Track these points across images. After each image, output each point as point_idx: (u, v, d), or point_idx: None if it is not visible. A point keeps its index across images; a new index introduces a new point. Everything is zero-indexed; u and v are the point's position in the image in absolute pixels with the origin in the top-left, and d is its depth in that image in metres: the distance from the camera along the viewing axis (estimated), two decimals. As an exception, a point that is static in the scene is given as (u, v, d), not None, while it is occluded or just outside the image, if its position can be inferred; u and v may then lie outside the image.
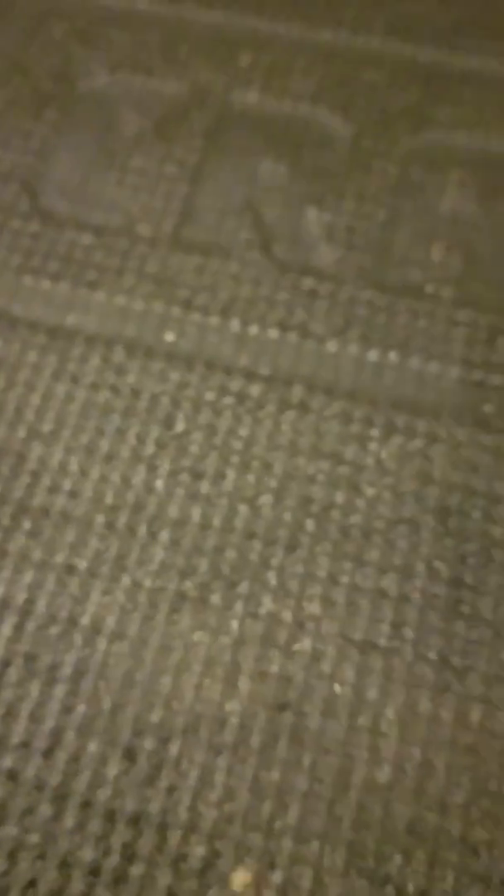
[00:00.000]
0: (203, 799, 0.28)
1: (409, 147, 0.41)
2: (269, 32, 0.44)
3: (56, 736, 0.28)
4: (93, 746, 0.28)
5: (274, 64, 0.42)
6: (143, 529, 0.32)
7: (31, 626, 0.30)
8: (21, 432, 0.33)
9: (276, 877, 0.27)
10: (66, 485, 0.32)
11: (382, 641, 0.30)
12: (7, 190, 0.39)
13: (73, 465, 0.33)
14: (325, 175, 0.39)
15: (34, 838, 0.27)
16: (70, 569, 0.31)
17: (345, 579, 0.31)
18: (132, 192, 0.39)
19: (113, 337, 0.35)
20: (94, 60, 0.43)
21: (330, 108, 0.41)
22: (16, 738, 0.28)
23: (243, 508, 0.32)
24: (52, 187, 0.39)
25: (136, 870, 0.27)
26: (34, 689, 0.29)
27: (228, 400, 0.34)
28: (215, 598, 0.31)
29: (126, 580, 0.31)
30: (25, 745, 0.28)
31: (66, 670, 0.29)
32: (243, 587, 0.31)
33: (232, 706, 0.29)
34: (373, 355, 0.35)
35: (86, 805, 0.28)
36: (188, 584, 0.31)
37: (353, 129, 0.41)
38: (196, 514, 0.32)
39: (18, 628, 0.30)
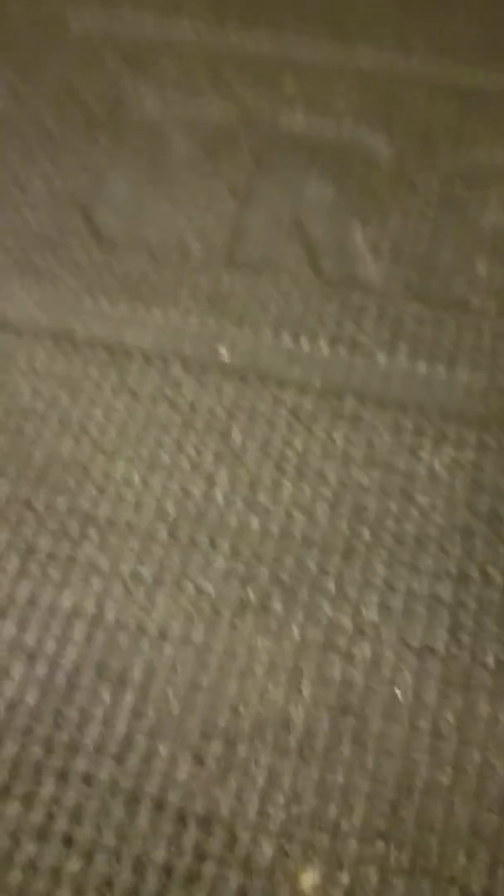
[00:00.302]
0: (271, 800, 0.29)
1: (451, 164, 0.41)
2: (311, 56, 0.45)
3: (127, 740, 0.29)
4: (163, 750, 0.29)
5: (317, 86, 0.44)
6: (204, 539, 0.33)
7: (100, 634, 0.31)
8: (86, 446, 0.34)
9: (343, 877, 0.28)
10: (130, 496, 0.33)
11: (440, 646, 0.31)
12: (64, 213, 0.40)
13: (136, 477, 0.34)
14: (369, 193, 0.40)
15: (109, 839, 0.28)
16: (136, 578, 0.32)
17: (401, 586, 0.32)
18: (184, 212, 0.40)
19: (169, 353, 0.37)
20: (145, 87, 0.44)
21: (372, 127, 0.42)
22: (89, 743, 0.29)
23: (300, 517, 0.33)
24: (107, 210, 0.40)
25: (208, 869, 0.28)
26: (105, 694, 0.30)
27: (282, 412, 0.35)
28: (276, 605, 0.31)
29: (190, 588, 0.32)
30: (99, 749, 0.29)
31: (136, 676, 0.30)
32: (303, 594, 0.32)
33: (296, 710, 0.30)
34: (421, 367, 0.36)
35: (158, 807, 0.28)
36: (249, 592, 0.32)
37: (396, 147, 0.42)
38: (255, 523, 0.33)
39: (89, 637, 0.31)
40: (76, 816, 0.28)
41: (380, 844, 0.28)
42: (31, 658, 0.30)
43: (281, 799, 0.29)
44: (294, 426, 0.35)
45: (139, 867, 0.28)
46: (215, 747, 0.29)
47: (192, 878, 0.28)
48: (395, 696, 0.30)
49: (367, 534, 0.33)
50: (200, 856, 0.28)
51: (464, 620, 0.31)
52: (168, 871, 0.28)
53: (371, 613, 0.31)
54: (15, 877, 0.27)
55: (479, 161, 0.42)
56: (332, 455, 0.35)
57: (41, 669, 0.30)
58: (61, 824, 0.28)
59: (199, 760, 0.29)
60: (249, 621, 0.31)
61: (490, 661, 0.31)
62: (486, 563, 0.32)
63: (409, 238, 0.39)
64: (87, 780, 0.29)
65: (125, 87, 0.44)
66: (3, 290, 0.38)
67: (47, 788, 0.28)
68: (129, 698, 0.30)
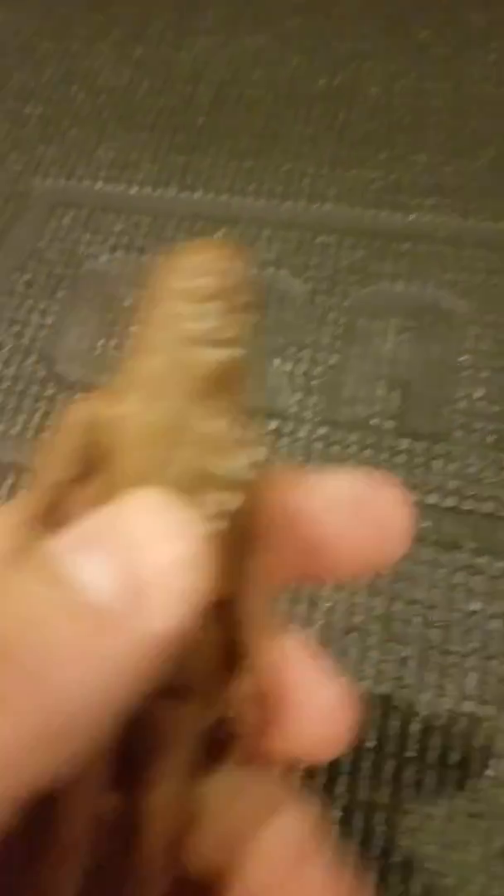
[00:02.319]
0: None
1: (356, 299, 0.49)
2: (239, 208, 0.53)
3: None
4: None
5: (243, 236, 0.51)
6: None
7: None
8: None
9: None
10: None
11: None
12: (27, 361, 0.48)
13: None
14: (286, 329, 0.48)
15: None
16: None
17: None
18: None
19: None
20: (96, 243, 0.52)
21: (290, 270, 0.50)
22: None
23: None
24: (65, 356, 0.48)
25: None
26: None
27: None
28: None
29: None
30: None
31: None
32: None
33: None
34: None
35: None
36: None
37: (309, 287, 0.49)
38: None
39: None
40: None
41: None
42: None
43: None
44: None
45: None
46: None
47: None
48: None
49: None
50: None
51: None
52: None
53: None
54: None
55: (380, 295, 0.49)
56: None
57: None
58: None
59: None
60: None
61: None
62: (379, 662, 0.39)
63: (319, 368, 0.47)
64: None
65: (79, 244, 0.52)
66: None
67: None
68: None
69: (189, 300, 0.22)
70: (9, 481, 0.43)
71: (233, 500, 0.20)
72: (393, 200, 0.52)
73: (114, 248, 0.52)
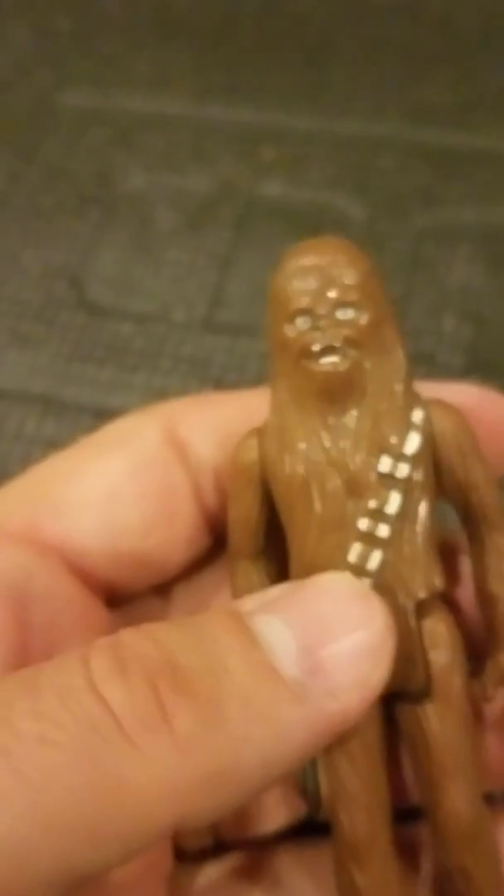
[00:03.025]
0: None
1: (421, 225, 0.44)
2: (289, 126, 0.48)
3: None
4: None
5: (295, 156, 0.46)
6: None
7: None
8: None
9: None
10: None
11: None
12: (57, 285, 0.43)
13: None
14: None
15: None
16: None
17: None
18: (168, 281, 0.43)
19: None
20: (132, 163, 0.47)
21: (347, 193, 0.45)
22: None
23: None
24: (97, 281, 0.43)
25: None
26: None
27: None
28: None
29: None
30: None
31: None
32: None
33: None
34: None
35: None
36: None
37: (369, 211, 0.44)
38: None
39: None
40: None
41: None
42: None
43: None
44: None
45: None
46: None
47: None
48: None
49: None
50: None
51: None
52: None
53: None
54: None
55: (447, 221, 0.44)
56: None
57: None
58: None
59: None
60: None
61: None
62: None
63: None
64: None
65: (113, 163, 0.47)
66: (-1, 362, 0.41)
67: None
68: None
69: (301, 313, 0.21)
70: (37, 412, 0.39)
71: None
72: (460, 121, 0.47)
73: (150, 169, 0.47)
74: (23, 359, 0.41)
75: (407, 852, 0.23)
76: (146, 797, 0.15)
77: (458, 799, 0.21)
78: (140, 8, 0.54)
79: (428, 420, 0.21)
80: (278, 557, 0.22)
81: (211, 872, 0.24)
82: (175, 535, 0.23)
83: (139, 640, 0.17)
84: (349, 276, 0.21)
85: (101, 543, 0.22)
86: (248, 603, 0.18)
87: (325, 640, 0.17)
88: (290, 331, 0.21)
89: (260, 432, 0.22)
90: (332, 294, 0.21)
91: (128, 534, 0.22)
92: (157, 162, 0.47)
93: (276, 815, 0.24)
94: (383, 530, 0.20)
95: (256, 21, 0.53)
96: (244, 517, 0.22)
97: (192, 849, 0.24)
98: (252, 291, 0.42)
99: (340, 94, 0.49)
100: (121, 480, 0.22)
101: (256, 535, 0.22)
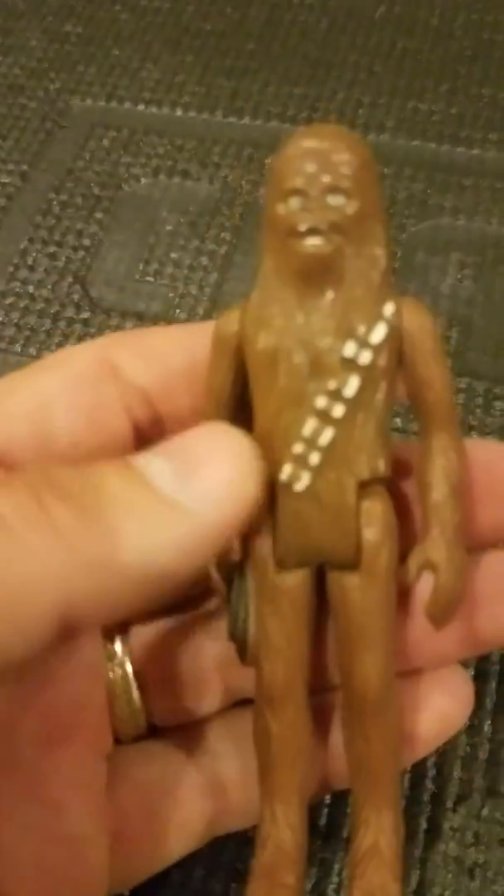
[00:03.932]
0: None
1: (414, 233, 0.45)
2: (290, 133, 0.49)
3: None
4: None
5: (294, 163, 0.48)
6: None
7: None
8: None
9: None
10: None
11: None
12: (62, 283, 0.45)
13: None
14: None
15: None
16: None
17: None
18: (170, 281, 0.45)
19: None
20: (137, 165, 0.49)
21: (344, 200, 0.47)
22: None
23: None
24: (101, 279, 0.45)
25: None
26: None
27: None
28: None
29: None
30: None
31: None
32: None
33: None
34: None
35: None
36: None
37: (364, 218, 0.46)
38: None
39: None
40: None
41: None
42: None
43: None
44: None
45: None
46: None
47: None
48: None
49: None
50: None
51: None
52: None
53: None
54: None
55: (440, 229, 0.46)
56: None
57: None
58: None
59: None
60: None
61: None
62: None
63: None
64: None
65: (119, 166, 0.49)
66: (2, 352, 0.43)
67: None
68: None
69: (293, 194, 0.22)
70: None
71: (353, 383, 0.22)
72: (455, 134, 0.49)
73: (156, 172, 0.49)
74: (27, 353, 0.43)
75: (318, 718, 0.25)
76: (31, 581, 0.17)
77: (371, 668, 0.22)
78: (149, 16, 0.56)
79: (398, 314, 0.22)
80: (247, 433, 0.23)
81: (145, 747, 0.27)
82: (104, 446, 0.24)
83: (29, 470, 0.19)
84: (345, 164, 0.21)
85: (32, 452, 0.23)
86: (139, 454, 0.21)
87: (197, 465, 0.20)
88: (281, 209, 0.22)
89: (242, 307, 0.23)
90: (325, 179, 0.21)
91: (58, 442, 0.23)
92: (162, 165, 0.49)
93: (207, 700, 0.26)
94: (338, 410, 0.21)
95: (261, 31, 0.54)
96: (218, 386, 0.23)
97: (128, 736, 0.26)
98: (249, 292, 0.44)
99: (338, 103, 0.51)
100: (52, 394, 0.23)
101: (227, 406, 0.23)
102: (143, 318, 0.44)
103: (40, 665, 0.22)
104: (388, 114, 0.50)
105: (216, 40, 0.54)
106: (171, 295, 0.44)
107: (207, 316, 0.44)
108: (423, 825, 0.30)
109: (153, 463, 0.20)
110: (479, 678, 0.32)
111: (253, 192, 0.47)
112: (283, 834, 0.23)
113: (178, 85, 0.52)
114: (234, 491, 0.20)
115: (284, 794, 0.23)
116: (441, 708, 0.26)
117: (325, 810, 0.31)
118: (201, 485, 0.19)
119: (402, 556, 0.23)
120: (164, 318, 0.44)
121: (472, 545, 0.24)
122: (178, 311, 0.44)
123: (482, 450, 0.25)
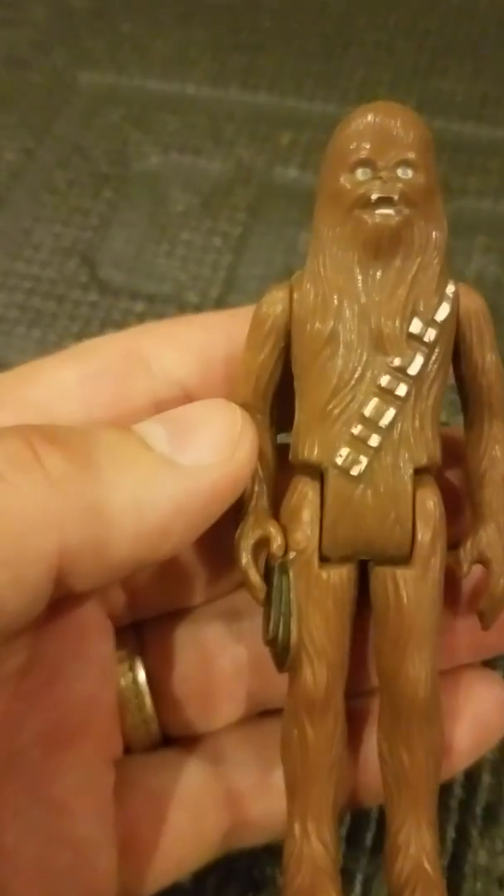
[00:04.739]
0: None
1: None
2: (305, 111, 0.47)
3: None
4: None
5: (312, 141, 0.46)
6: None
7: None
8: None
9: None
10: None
11: None
12: (69, 263, 0.43)
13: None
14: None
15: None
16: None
17: None
18: (181, 262, 0.43)
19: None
20: (147, 143, 0.47)
21: (363, 180, 0.45)
22: None
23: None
24: (109, 260, 0.43)
25: None
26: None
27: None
28: None
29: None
30: None
31: None
32: None
33: None
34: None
35: None
36: None
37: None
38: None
39: None
40: None
41: None
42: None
43: None
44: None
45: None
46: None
47: None
48: None
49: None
50: None
51: None
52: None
53: None
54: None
55: (465, 211, 0.44)
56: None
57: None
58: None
59: None
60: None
61: None
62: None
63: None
64: None
65: (128, 142, 0.47)
66: (6, 334, 0.41)
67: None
68: None
69: (354, 167, 0.21)
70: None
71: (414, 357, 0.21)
72: (479, 113, 0.47)
73: (166, 149, 0.47)
74: (32, 335, 0.41)
75: (354, 722, 0.24)
76: (25, 526, 0.18)
77: (421, 668, 0.21)
78: (159, -11, 0.54)
79: (457, 296, 0.22)
80: (279, 421, 0.22)
81: (158, 755, 0.25)
82: None
83: (26, 425, 0.20)
84: (412, 137, 0.21)
85: None
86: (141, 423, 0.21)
87: (191, 429, 0.20)
88: (347, 181, 0.21)
89: (290, 286, 0.22)
90: (394, 151, 0.21)
91: None
92: (173, 142, 0.47)
93: (224, 710, 0.25)
94: (402, 389, 0.21)
95: (276, 6, 0.52)
96: (258, 366, 0.22)
97: (140, 745, 0.25)
98: (265, 274, 0.42)
99: (357, 82, 0.49)
100: (70, 385, 0.23)
101: (267, 388, 0.22)
102: (153, 301, 0.42)
103: (46, 657, 0.21)
104: (410, 93, 0.48)
105: (230, 14, 0.52)
106: (182, 277, 0.42)
107: (221, 298, 0.42)
108: (452, 833, 0.29)
109: (150, 427, 0.20)
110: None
111: (268, 171, 0.45)
112: (317, 852, 0.21)
113: (190, 60, 0.50)
114: (227, 454, 0.20)
115: (318, 810, 0.21)
116: (479, 714, 0.24)
117: (348, 818, 0.29)
118: (195, 447, 0.20)
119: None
120: (175, 300, 0.42)
121: None
122: (190, 293, 0.42)
123: None
